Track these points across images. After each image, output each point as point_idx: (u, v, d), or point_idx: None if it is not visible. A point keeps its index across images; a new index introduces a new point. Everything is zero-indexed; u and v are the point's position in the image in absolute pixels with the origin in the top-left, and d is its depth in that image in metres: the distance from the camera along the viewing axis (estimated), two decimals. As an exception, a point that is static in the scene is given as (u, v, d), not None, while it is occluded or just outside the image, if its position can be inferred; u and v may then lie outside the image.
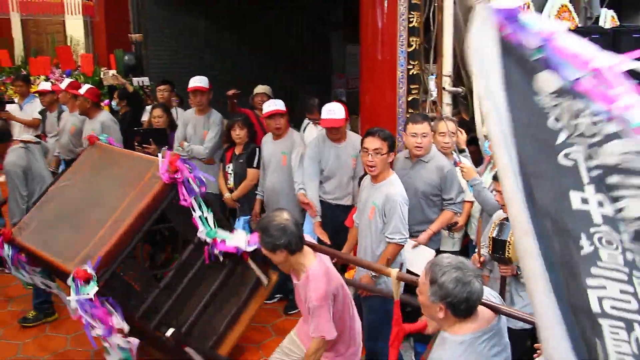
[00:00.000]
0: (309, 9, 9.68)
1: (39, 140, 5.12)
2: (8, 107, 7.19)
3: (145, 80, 6.70)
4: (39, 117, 7.05)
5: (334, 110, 4.51)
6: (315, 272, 2.90)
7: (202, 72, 6.18)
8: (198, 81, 5.47)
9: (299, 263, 2.93)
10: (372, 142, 3.59)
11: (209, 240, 3.68)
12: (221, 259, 3.75)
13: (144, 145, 5.33)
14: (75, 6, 7.67)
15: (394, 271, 2.91)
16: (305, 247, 2.97)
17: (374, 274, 3.52)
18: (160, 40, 7.96)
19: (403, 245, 3.60)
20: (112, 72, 6.86)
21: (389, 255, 3.49)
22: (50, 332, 4.75)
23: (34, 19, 9.11)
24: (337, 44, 10.59)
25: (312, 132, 5.45)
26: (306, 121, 5.74)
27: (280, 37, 9.38)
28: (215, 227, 3.72)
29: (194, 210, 3.66)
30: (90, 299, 3.17)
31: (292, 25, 9.66)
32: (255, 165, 5.05)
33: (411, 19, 4.56)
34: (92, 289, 3.17)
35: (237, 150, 5.16)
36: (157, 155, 5.04)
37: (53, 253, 3.55)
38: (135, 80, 7.08)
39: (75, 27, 8.19)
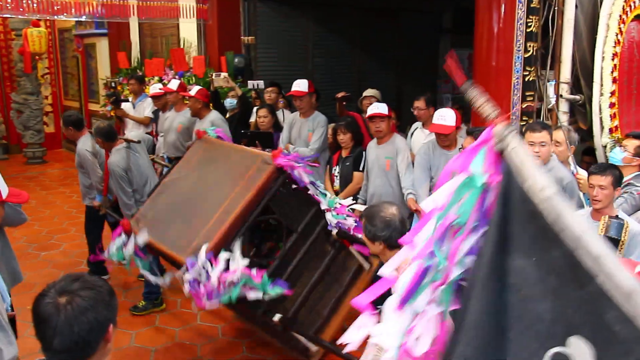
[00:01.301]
0: (418, 14, 9.57)
1: (140, 140, 5.40)
2: (123, 105, 7.61)
3: (260, 84, 6.83)
4: (150, 115, 7.41)
5: (444, 117, 4.43)
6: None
7: (309, 75, 6.26)
8: (296, 85, 5.53)
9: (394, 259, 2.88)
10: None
11: (330, 208, 3.82)
12: (334, 232, 3.86)
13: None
14: (189, 10, 7.98)
15: None
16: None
17: None
18: (270, 43, 8.13)
19: None
20: (224, 74, 7.07)
21: None
22: (160, 324, 4.99)
23: (150, 23, 9.58)
24: (445, 48, 10.39)
25: (419, 137, 5.36)
26: (414, 126, 5.65)
27: (388, 41, 9.33)
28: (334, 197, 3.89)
29: (311, 187, 3.82)
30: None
31: (400, 30, 9.57)
32: (361, 168, 5.05)
33: (529, 23, 4.37)
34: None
35: (344, 153, 5.18)
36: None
37: (167, 244, 3.73)
38: (250, 83, 7.25)
39: (188, 30, 8.52)
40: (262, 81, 6.82)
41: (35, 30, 11.25)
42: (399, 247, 2.77)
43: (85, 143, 5.39)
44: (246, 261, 3.46)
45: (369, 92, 6.15)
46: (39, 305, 1.60)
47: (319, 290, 3.98)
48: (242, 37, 7.60)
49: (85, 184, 5.58)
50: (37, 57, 11.80)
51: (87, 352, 1.61)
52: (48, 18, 10.61)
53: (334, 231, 3.92)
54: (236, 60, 7.57)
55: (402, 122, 6.71)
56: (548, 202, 1.20)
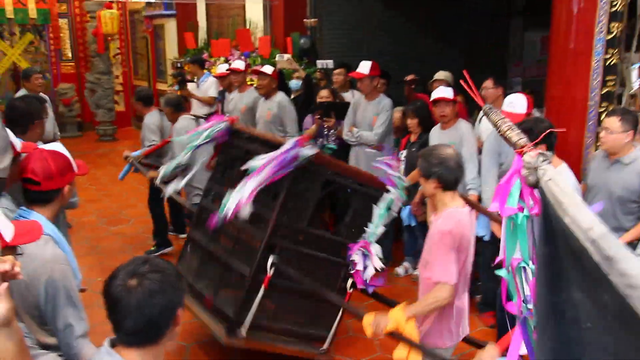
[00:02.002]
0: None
1: (205, 116, 5.58)
2: (188, 85, 7.74)
3: (329, 63, 6.77)
4: (215, 95, 7.51)
5: (513, 104, 4.19)
6: (452, 211, 2.81)
7: (375, 56, 6.12)
8: (359, 67, 5.43)
9: (442, 201, 2.86)
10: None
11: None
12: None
13: (325, 119, 5.42)
14: (256, -9, 7.99)
15: None
16: (457, 195, 2.89)
17: None
18: (335, 24, 8.04)
19: None
20: (287, 56, 7.05)
21: None
22: None
23: (217, 4, 9.66)
24: (516, 31, 10.00)
25: (487, 126, 5.15)
26: (482, 113, 5.43)
27: (456, 23, 9.04)
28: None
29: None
30: None
31: (470, 11, 9.25)
32: None
33: (614, 3, 4.09)
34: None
35: (412, 138, 5.08)
36: (335, 129, 5.18)
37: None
38: (319, 62, 7.19)
39: (254, 11, 8.54)
40: (331, 61, 6.74)
41: (108, 12, 11.57)
42: (451, 188, 2.86)
43: (152, 117, 5.71)
44: None
45: (439, 75, 5.95)
46: (109, 288, 1.61)
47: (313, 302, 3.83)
48: (304, 20, 7.53)
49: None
50: (109, 38, 12.16)
51: (157, 334, 1.62)
52: (120, 0, 10.90)
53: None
54: (302, 41, 7.53)
55: (470, 108, 6.51)
56: (596, 243, 1.05)
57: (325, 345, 3.85)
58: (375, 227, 3.57)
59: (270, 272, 3.49)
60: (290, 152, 3.33)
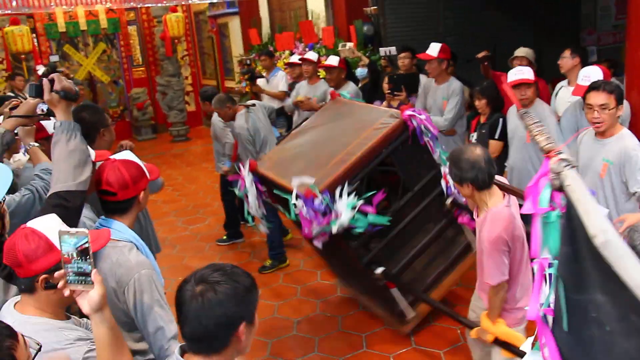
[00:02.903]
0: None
1: (254, 103, 5.68)
2: (258, 81, 7.77)
3: (392, 50, 6.63)
4: (285, 89, 7.49)
5: (589, 77, 3.92)
6: (495, 213, 2.80)
7: (440, 37, 5.94)
8: (428, 49, 5.25)
9: (482, 201, 2.87)
10: (597, 97, 3.32)
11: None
12: (448, 201, 3.85)
13: (395, 93, 5.31)
14: (316, -19, 7.92)
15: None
16: (495, 189, 2.88)
17: None
18: (398, 8, 7.84)
19: None
20: (349, 45, 6.94)
21: None
22: (284, 282, 5.35)
23: (279, -2, 9.68)
24: (588, -3, 9.47)
25: (565, 95, 4.82)
26: (558, 85, 5.11)
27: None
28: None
29: (434, 149, 3.83)
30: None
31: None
32: (497, 137, 4.69)
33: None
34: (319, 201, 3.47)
35: (482, 119, 4.87)
36: (406, 103, 5.16)
37: (286, 179, 3.83)
38: (382, 50, 7.07)
39: (316, 2, 8.49)
40: (394, 47, 6.59)
41: (174, 16, 11.85)
42: (487, 187, 2.86)
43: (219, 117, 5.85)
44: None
45: (520, 51, 5.50)
46: (180, 291, 1.63)
47: (426, 256, 4.04)
48: (364, 8, 7.39)
49: (219, 152, 6.11)
50: (176, 40, 12.45)
51: (216, 345, 1.61)
52: (183, 3, 11.11)
53: (449, 200, 3.87)
54: (365, 28, 7.41)
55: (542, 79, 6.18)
56: (603, 249, 1.10)
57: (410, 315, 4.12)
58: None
59: (384, 280, 3.79)
60: None
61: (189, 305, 1.58)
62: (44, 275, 1.79)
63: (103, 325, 1.71)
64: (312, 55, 6.37)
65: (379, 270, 3.74)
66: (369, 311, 4.56)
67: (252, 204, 4.24)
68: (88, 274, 1.67)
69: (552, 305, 1.51)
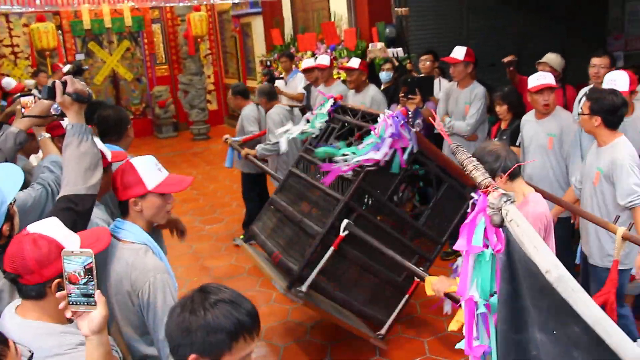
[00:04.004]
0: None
1: (298, 105, 5.96)
2: (276, 82, 7.77)
3: (399, 52, 6.59)
4: (303, 91, 7.48)
5: (615, 81, 3.84)
6: (536, 197, 2.93)
7: (464, 41, 5.84)
8: (453, 52, 5.17)
9: (519, 190, 2.95)
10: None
11: None
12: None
13: (410, 96, 5.24)
14: (339, -18, 7.86)
15: (620, 229, 2.81)
16: (524, 182, 3.04)
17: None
18: (422, 10, 7.75)
19: None
20: (380, 44, 6.87)
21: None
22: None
23: (302, -2, 9.64)
24: (616, 1, 9.27)
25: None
26: (582, 92, 4.99)
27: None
28: None
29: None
30: None
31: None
32: (518, 143, 4.58)
33: None
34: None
35: (503, 125, 4.79)
36: (422, 107, 5.08)
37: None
38: (390, 51, 7.02)
39: (338, 3, 8.42)
40: (400, 49, 6.52)
41: (197, 15, 11.88)
42: (518, 174, 2.93)
43: (250, 109, 6.04)
44: None
45: (547, 57, 5.32)
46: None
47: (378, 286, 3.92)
48: (395, 9, 7.31)
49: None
50: (199, 39, 12.50)
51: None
52: (205, 2, 11.14)
53: None
54: (387, 30, 7.33)
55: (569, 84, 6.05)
56: (557, 284, 1.08)
57: (383, 331, 3.86)
58: None
59: (342, 233, 3.60)
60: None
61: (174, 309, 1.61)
62: (57, 280, 1.76)
63: (100, 348, 1.66)
64: (324, 60, 6.34)
65: (347, 221, 3.61)
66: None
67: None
68: (91, 295, 1.63)
69: (485, 343, 1.57)
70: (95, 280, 1.62)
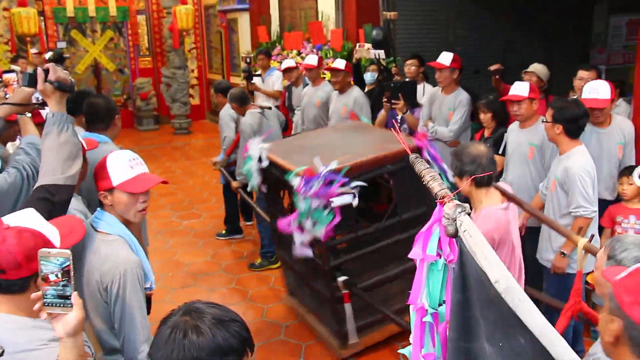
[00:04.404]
0: (571, -23, 8.67)
1: (270, 106, 5.78)
2: (254, 79, 7.74)
3: (381, 53, 6.59)
4: (280, 89, 7.50)
5: (597, 90, 4.00)
6: (488, 212, 2.85)
7: (450, 47, 5.84)
8: (440, 58, 5.17)
9: (478, 199, 2.93)
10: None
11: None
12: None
13: (393, 101, 5.23)
14: (328, -18, 7.83)
15: (581, 240, 2.83)
16: (494, 191, 2.94)
17: (564, 252, 3.53)
18: (410, 14, 7.75)
19: (590, 219, 3.50)
20: (367, 45, 6.85)
21: (576, 227, 3.44)
22: (275, 284, 5.22)
23: (290, -4, 9.60)
24: (600, 15, 9.39)
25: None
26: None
27: (536, 7, 8.56)
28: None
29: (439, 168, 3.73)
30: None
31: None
32: (501, 152, 4.59)
33: None
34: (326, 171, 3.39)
35: (486, 133, 4.79)
36: (405, 112, 5.26)
37: (291, 162, 3.73)
38: (372, 52, 7.01)
39: (326, 3, 8.39)
40: (382, 51, 6.51)
41: (183, 8, 11.78)
42: (486, 185, 2.90)
43: (227, 109, 5.91)
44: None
45: (532, 67, 5.38)
46: (167, 317, 1.44)
47: (395, 287, 4.00)
48: (383, 13, 7.30)
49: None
50: (184, 33, 12.38)
51: None
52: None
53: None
54: (374, 32, 7.31)
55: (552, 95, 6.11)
56: (506, 294, 1.10)
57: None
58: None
59: (344, 290, 3.71)
60: None
61: (164, 331, 1.39)
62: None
63: (74, 351, 1.60)
64: (312, 60, 6.31)
65: (342, 278, 3.70)
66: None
67: (255, 179, 4.17)
68: (68, 297, 1.58)
69: (431, 351, 1.59)
70: (73, 282, 1.58)
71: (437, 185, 1.53)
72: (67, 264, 1.56)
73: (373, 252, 3.87)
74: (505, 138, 4.55)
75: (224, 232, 6.43)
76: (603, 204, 3.98)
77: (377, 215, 4.31)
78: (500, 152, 4.56)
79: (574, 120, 3.55)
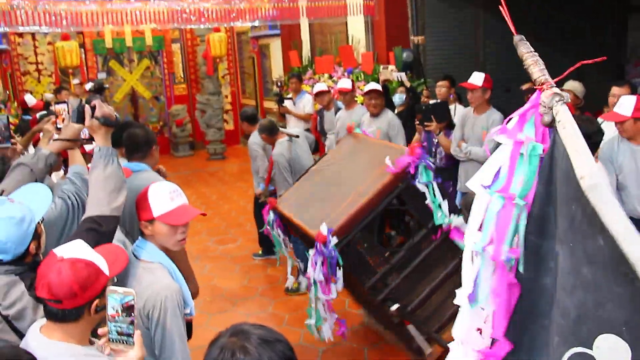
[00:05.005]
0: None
1: (298, 135, 5.75)
2: (285, 102, 7.86)
3: (402, 76, 6.63)
4: (311, 112, 7.58)
5: (621, 105, 3.97)
6: None
7: (481, 66, 5.85)
8: (471, 78, 5.19)
9: None
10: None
11: (444, 224, 3.73)
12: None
13: (426, 124, 5.25)
14: (357, 7, 7.96)
15: None
16: None
17: None
18: (439, 35, 7.80)
19: None
20: (391, 67, 6.92)
21: None
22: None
23: (320, 22, 9.75)
24: (635, 28, 9.27)
25: (608, 130, 4.69)
26: (600, 119, 4.98)
27: (567, 22, 8.49)
28: (449, 215, 3.75)
29: (428, 196, 3.74)
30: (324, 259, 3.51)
31: (581, 9, 8.66)
32: None
33: None
34: (330, 246, 3.47)
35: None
36: (438, 133, 5.24)
37: (303, 221, 3.90)
38: (395, 74, 7.05)
39: (356, 27, 8.51)
40: (403, 73, 6.55)
41: (217, 36, 12.06)
42: None
43: (256, 136, 5.89)
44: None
45: (567, 85, 5.39)
46: (213, 341, 1.51)
47: (443, 292, 3.94)
48: (412, 37, 7.38)
49: (256, 172, 6.14)
50: (217, 60, 12.67)
51: None
52: (226, 25, 11.31)
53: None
54: (404, 55, 7.39)
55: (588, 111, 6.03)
56: (591, 192, 1.04)
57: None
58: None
59: (398, 318, 3.74)
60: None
61: (213, 352, 1.45)
62: (96, 301, 1.81)
63: None
64: (346, 84, 6.39)
65: (395, 307, 3.70)
66: (395, 344, 4.46)
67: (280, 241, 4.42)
68: (130, 335, 1.68)
69: (515, 246, 1.39)
70: (136, 320, 1.68)
71: (537, 71, 1.43)
72: (127, 300, 1.66)
73: (414, 269, 3.86)
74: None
75: (260, 252, 6.50)
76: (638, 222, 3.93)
77: (405, 231, 4.34)
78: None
79: (588, 137, 3.50)
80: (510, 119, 1.45)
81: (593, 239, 1.04)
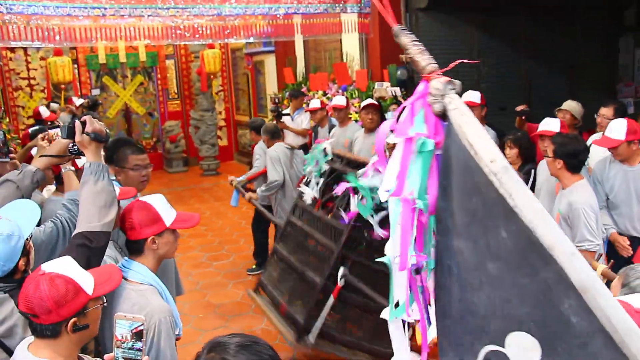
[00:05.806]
0: (594, 11, 8.70)
1: (300, 148, 6.20)
2: (283, 118, 7.88)
3: (396, 90, 6.66)
4: (308, 127, 7.62)
5: (611, 129, 3.98)
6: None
7: (476, 84, 5.86)
8: (468, 96, 5.22)
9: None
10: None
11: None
12: None
13: None
14: (351, 24, 7.98)
15: (600, 267, 2.90)
16: None
17: None
18: (434, 53, 7.81)
19: (594, 252, 3.49)
20: (385, 84, 6.93)
21: None
22: None
23: (314, 39, 9.79)
24: (626, 48, 9.36)
25: (598, 149, 4.72)
26: (592, 138, 5.00)
27: (560, 42, 8.57)
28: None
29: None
30: None
31: (573, 30, 8.76)
32: (529, 188, 4.57)
33: None
34: None
35: (514, 170, 4.77)
36: None
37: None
38: (389, 90, 7.09)
39: (351, 44, 8.55)
40: (398, 88, 6.57)
41: (211, 52, 12.08)
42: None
43: (260, 145, 6.28)
44: None
45: (565, 104, 5.36)
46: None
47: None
48: (400, 55, 7.41)
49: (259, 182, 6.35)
50: (212, 76, 12.68)
51: None
52: (220, 42, 11.34)
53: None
54: (399, 72, 7.42)
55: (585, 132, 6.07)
56: (497, 176, 1.00)
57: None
58: None
59: (340, 282, 3.80)
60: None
61: None
62: (74, 319, 1.78)
63: None
64: (341, 101, 6.42)
65: (343, 270, 3.78)
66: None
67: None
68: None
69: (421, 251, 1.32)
70: (145, 346, 1.70)
71: (424, 60, 1.32)
72: (136, 326, 1.65)
73: (377, 273, 3.84)
74: (532, 175, 4.54)
75: (254, 267, 6.50)
76: (636, 242, 3.93)
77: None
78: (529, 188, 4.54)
79: (574, 155, 3.65)
80: (400, 113, 1.34)
81: (495, 232, 1.02)
